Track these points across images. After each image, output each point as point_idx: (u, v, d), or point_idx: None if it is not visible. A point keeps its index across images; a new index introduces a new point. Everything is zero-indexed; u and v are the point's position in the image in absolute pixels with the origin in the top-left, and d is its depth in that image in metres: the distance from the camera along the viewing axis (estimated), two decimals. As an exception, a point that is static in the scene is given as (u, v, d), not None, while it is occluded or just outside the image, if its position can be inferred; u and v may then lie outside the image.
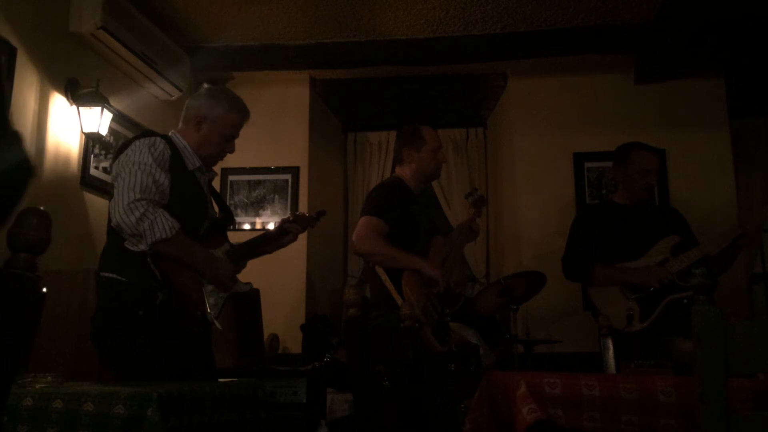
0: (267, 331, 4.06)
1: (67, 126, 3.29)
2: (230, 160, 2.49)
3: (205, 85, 2.42)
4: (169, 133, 2.24)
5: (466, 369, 3.23)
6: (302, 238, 2.70)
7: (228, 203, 3.76)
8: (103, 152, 3.55)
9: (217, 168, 2.43)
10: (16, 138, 0.92)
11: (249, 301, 3.79)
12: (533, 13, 3.84)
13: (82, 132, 3.36)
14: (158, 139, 2.12)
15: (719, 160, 4.24)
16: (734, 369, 1.07)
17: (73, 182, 3.34)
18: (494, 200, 5.04)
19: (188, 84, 4.14)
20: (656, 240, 3.02)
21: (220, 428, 1.71)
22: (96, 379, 2.62)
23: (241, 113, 2.31)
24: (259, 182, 4.60)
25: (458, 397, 2.82)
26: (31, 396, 1.48)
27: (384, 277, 2.72)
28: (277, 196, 4.57)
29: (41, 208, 0.96)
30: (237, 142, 2.37)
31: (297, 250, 4.31)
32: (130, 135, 3.69)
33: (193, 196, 2.21)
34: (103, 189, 3.53)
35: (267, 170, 4.61)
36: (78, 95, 3.31)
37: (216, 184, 2.77)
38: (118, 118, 3.60)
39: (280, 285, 4.21)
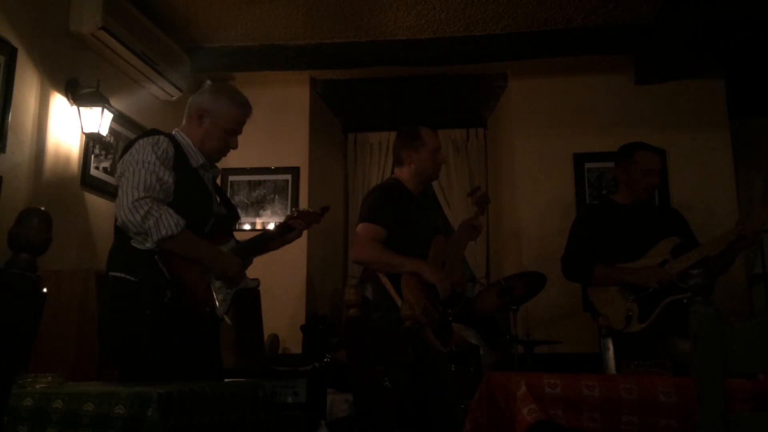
0: (267, 331, 4.06)
1: (68, 126, 3.30)
2: (230, 161, 2.50)
3: (208, 82, 2.43)
4: (173, 132, 2.25)
5: (466, 369, 3.24)
6: (302, 237, 2.70)
7: (228, 203, 3.76)
8: (103, 152, 3.55)
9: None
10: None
11: (249, 301, 3.79)
12: (533, 13, 3.84)
13: (83, 132, 3.36)
14: (162, 137, 2.13)
15: (719, 160, 4.24)
16: (732, 370, 1.07)
17: (74, 182, 3.35)
18: (494, 200, 5.03)
19: (188, 84, 4.15)
20: (656, 241, 3.02)
21: (220, 428, 1.71)
22: (96, 379, 2.62)
23: (242, 107, 2.31)
24: (259, 182, 4.60)
25: (458, 397, 2.82)
26: (31, 396, 1.48)
27: (384, 279, 2.73)
28: (277, 197, 4.58)
29: (42, 208, 0.96)
30: (237, 142, 2.37)
31: (297, 250, 4.31)
32: (130, 135, 3.69)
33: (198, 194, 2.22)
34: (104, 189, 3.53)
35: (267, 170, 4.61)
36: (78, 95, 3.31)
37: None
38: (119, 118, 3.60)
39: (280, 285, 4.21)
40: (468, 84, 4.73)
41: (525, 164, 4.42)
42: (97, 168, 3.50)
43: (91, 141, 3.43)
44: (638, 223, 3.08)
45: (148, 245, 1.98)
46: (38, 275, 0.94)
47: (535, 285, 3.53)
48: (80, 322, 2.86)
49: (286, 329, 4.27)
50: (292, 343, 4.29)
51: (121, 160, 2.10)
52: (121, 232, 2.04)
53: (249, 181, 4.60)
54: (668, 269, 2.91)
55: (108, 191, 3.55)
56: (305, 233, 2.57)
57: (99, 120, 3.33)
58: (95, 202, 3.48)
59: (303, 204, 4.51)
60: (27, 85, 3.02)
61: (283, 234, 2.46)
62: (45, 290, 0.95)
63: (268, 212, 4.56)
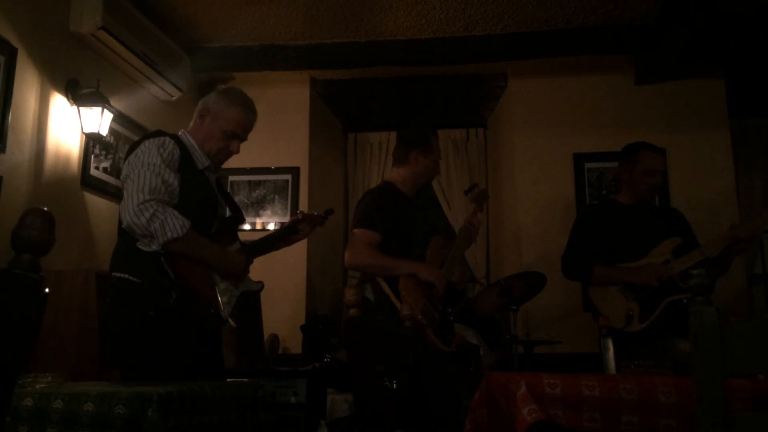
0: (267, 331, 4.06)
1: (68, 126, 3.30)
2: (230, 161, 2.49)
3: (221, 86, 2.44)
4: (179, 133, 2.25)
5: (466, 369, 3.23)
6: (302, 238, 2.71)
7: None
8: (103, 153, 3.55)
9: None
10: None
11: (250, 301, 3.79)
12: (534, 13, 3.84)
13: (83, 132, 3.36)
14: (167, 139, 2.12)
15: (719, 160, 4.24)
16: (732, 370, 1.07)
17: (74, 183, 3.35)
18: (494, 200, 5.04)
19: (188, 84, 4.15)
20: (658, 241, 3.02)
21: (220, 428, 1.71)
22: (96, 379, 2.62)
23: (244, 110, 2.29)
24: (259, 182, 4.60)
25: (458, 397, 2.82)
26: (31, 396, 1.48)
27: (382, 283, 2.74)
28: (277, 197, 4.58)
29: (45, 208, 0.97)
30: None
31: (297, 250, 4.30)
32: (130, 135, 3.69)
33: (203, 196, 2.22)
34: (104, 189, 3.53)
35: (267, 170, 4.61)
36: (78, 95, 3.31)
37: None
38: (119, 118, 3.60)
39: (280, 285, 4.21)
40: (468, 84, 4.73)
41: (525, 164, 4.42)
42: (97, 168, 3.50)
43: (91, 141, 3.43)
44: (640, 223, 3.08)
45: (154, 247, 1.98)
46: (41, 276, 0.94)
47: (535, 285, 3.52)
48: (80, 322, 2.86)
49: (286, 329, 4.27)
50: (292, 343, 4.29)
51: (126, 161, 2.10)
52: (125, 233, 2.04)
53: (249, 181, 4.61)
54: (670, 269, 2.91)
55: (108, 191, 3.55)
56: (305, 234, 2.58)
57: (99, 120, 3.33)
58: (95, 202, 3.48)
59: (303, 204, 4.51)
60: (27, 85, 3.02)
61: (288, 236, 2.47)
62: (47, 291, 0.95)
63: (268, 212, 4.56)
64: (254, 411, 1.94)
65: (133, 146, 2.13)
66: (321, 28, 4.00)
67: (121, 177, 2.11)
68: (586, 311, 3.51)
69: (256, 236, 2.47)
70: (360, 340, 2.50)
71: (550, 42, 4.04)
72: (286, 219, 4.34)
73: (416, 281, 2.73)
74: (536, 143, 4.42)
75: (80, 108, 3.31)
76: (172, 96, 4.10)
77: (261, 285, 2.33)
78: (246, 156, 4.28)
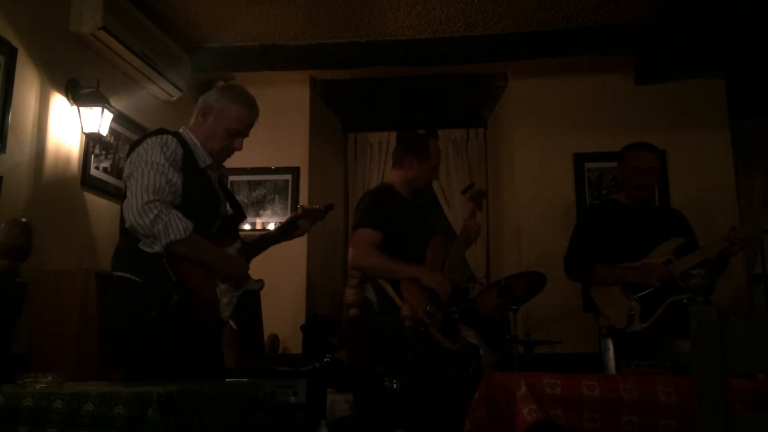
0: (267, 331, 4.06)
1: (68, 126, 3.29)
2: (230, 160, 2.49)
3: (220, 83, 2.43)
4: (180, 130, 2.24)
5: (466, 369, 3.24)
6: (302, 237, 2.70)
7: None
8: (103, 152, 3.55)
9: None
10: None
11: (250, 301, 3.79)
12: (534, 13, 3.84)
13: (83, 132, 3.36)
14: (170, 137, 2.12)
15: (719, 160, 4.24)
16: (732, 370, 1.07)
17: (74, 182, 3.34)
18: (494, 201, 5.04)
19: (188, 84, 4.15)
20: (659, 241, 3.02)
21: (220, 428, 1.71)
22: (96, 379, 2.62)
23: (247, 107, 2.28)
24: (259, 182, 4.60)
25: (458, 397, 2.83)
26: (31, 396, 1.48)
27: (384, 284, 2.74)
28: (277, 197, 4.58)
29: (23, 219, 0.97)
30: (241, 140, 2.35)
31: (297, 250, 4.32)
32: (130, 135, 3.69)
33: (206, 195, 2.21)
34: (104, 189, 3.53)
35: (267, 170, 4.61)
36: (78, 95, 3.31)
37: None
38: (119, 118, 3.60)
39: (280, 285, 4.21)
40: (468, 84, 4.73)
41: (525, 164, 4.42)
42: (97, 168, 3.50)
43: (91, 141, 3.43)
44: (641, 223, 3.09)
45: (157, 248, 1.97)
46: (22, 282, 0.95)
47: (535, 285, 3.52)
48: (80, 322, 2.86)
49: (286, 329, 4.27)
50: (292, 343, 4.29)
51: (128, 159, 2.09)
52: (127, 232, 2.03)
53: (249, 181, 4.61)
54: (671, 269, 2.91)
55: (108, 191, 3.55)
56: (305, 234, 2.57)
57: (99, 120, 3.33)
58: (95, 202, 3.48)
59: (303, 204, 4.51)
60: (27, 85, 3.02)
61: (288, 232, 2.47)
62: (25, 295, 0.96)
63: (269, 212, 4.56)
64: (254, 411, 1.94)
65: (135, 144, 2.13)
66: (321, 28, 4.00)
67: (123, 175, 2.11)
68: (586, 311, 3.51)
69: (256, 236, 2.46)
70: (360, 340, 2.51)
71: (550, 42, 4.04)
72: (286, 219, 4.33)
73: (418, 283, 2.74)
74: (536, 143, 4.41)
75: (80, 108, 3.31)
76: (172, 96, 4.10)
77: (261, 284, 2.32)
78: (246, 156, 4.28)
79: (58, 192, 3.20)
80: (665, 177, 4.15)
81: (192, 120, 2.30)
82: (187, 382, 1.71)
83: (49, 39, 3.18)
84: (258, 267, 2.38)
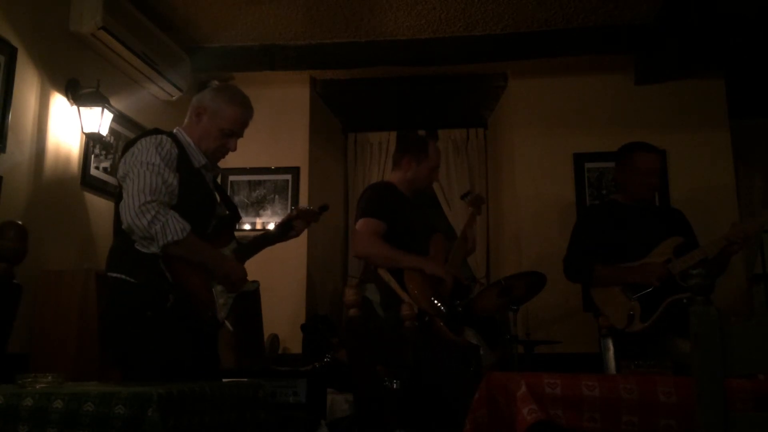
0: (267, 331, 4.06)
1: (68, 126, 3.29)
2: (230, 161, 2.49)
3: (214, 82, 2.42)
4: (174, 131, 2.23)
5: (466, 369, 3.23)
6: (302, 237, 2.71)
7: (228, 203, 3.77)
8: (103, 152, 3.55)
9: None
10: None
11: (249, 301, 3.79)
12: (534, 13, 3.84)
13: (83, 132, 3.36)
14: (164, 137, 2.11)
15: (719, 160, 4.24)
16: (732, 369, 1.07)
17: (74, 182, 3.34)
18: (494, 201, 5.04)
19: (188, 84, 4.15)
20: (659, 241, 3.02)
21: (220, 428, 1.71)
22: (96, 379, 2.62)
23: (241, 108, 2.27)
24: (259, 182, 4.60)
25: (458, 397, 2.83)
26: (31, 396, 1.48)
27: (387, 277, 2.74)
28: (277, 197, 4.58)
29: (18, 222, 0.97)
30: (238, 142, 2.33)
31: (297, 250, 4.32)
32: (130, 135, 3.69)
33: (201, 195, 2.21)
34: (104, 189, 3.53)
35: (267, 170, 4.61)
36: (78, 95, 3.31)
37: (216, 184, 2.76)
38: (119, 118, 3.60)
39: (280, 285, 4.21)
40: (468, 84, 4.73)
41: (525, 164, 4.42)
42: (97, 168, 3.50)
43: (91, 141, 3.43)
44: (640, 223, 3.09)
45: (153, 249, 1.97)
46: (18, 284, 0.95)
47: (535, 285, 3.52)
48: (80, 322, 2.86)
49: (286, 329, 4.27)
50: (292, 343, 4.29)
51: (123, 159, 2.08)
52: (121, 232, 2.03)
53: (249, 181, 4.61)
54: (671, 268, 2.91)
55: (108, 191, 3.55)
56: (305, 232, 2.57)
57: (99, 120, 3.33)
58: (95, 202, 3.48)
59: (303, 204, 4.51)
60: (27, 85, 3.02)
61: (284, 233, 2.47)
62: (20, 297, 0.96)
63: (268, 212, 4.56)
64: (254, 411, 1.94)
65: (130, 144, 2.12)
66: (321, 28, 4.00)
67: (118, 176, 2.10)
68: (586, 311, 3.51)
69: (251, 237, 2.46)
70: (360, 340, 2.51)
71: (550, 42, 4.04)
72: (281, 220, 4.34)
73: (423, 275, 2.73)
74: (536, 143, 4.41)
75: (80, 108, 3.31)
76: (172, 96, 4.10)
77: (256, 284, 2.31)
78: (246, 156, 4.31)
79: (58, 192, 3.20)
80: (665, 177, 4.15)
81: (186, 120, 2.29)
82: (187, 382, 1.71)
83: (49, 39, 3.18)
84: (258, 267, 2.38)
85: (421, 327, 2.66)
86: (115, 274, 2.05)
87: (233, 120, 2.25)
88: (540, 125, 4.43)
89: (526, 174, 4.41)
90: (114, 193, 3.53)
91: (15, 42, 2.93)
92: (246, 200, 4.56)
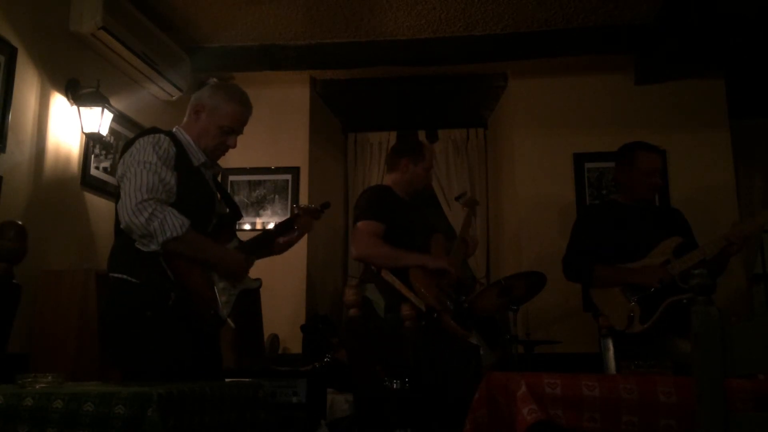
0: (267, 331, 4.06)
1: (68, 126, 3.29)
2: (230, 161, 2.49)
3: (213, 80, 2.41)
4: (173, 129, 2.23)
5: (466, 369, 3.23)
6: (302, 237, 2.70)
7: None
8: (103, 152, 3.55)
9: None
10: None
11: (250, 301, 3.79)
12: (534, 13, 3.84)
13: (83, 132, 3.36)
14: (162, 136, 2.11)
15: (719, 160, 4.24)
16: (733, 370, 1.07)
17: (74, 182, 3.34)
18: (494, 201, 5.04)
19: (188, 84, 4.15)
20: (658, 241, 3.02)
21: (220, 428, 1.71)
22: (96, 379, 2.62)
23: (240, 105, 2.27)
24: (259, 182, 4.60)
25: (458, 397, 2.83)
26: (31, 396, 1.48)
27: (391, 278, 2.73)
28: (277, 197, 4.58)
29: (18, 221, 0.97)
30: (238, 141, 2.33)
31: (297, 250, 4.29)
32: (130, 135, 3.69)
33: (201, 193, 2.20)
34: (104, 189, 3.53)
35: (267, 170, 4.61)
36: (78, 95, 3.31)
37: (216, 184, 2.76)
38: (119, 118, 3.60)
39: (280, 285, 4.20)
40: (468, 84, 4.73)
41: (525, 164, 4.42)
42: (97, 168, 3.50)
43: (91, 141, 3.43)
44: (640, 223, 3.08)
45: (153, 247, 1.97)
46: (17, 283, 0.95)
47: (535, 285, 3.51)
48: (80, 322, 2.86)
49: (286, 329, 4.27)
50: (292, 343, 4.29)
51: (121, 159, 2.08)
52: (122, 233, 2.03)
53: (249, 181, 4.61)
54: (670, 269, 2.91)
55: (108, 191, 3.55)
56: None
57: (99, 120, 3.33)
58: (95, 202, 3.48)
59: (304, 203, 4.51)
60: (27, 85, 3.02)
61: (286, 231, 2.45)
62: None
63: (268, 212, 4.56)
64: (254, 411, 1.94)
65: (128, 144, 2.12)
66: (321, 28, 4.00)
67: (116, 176, 2.10)
68: (587, 311, 3.51)
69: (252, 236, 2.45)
70: (360, 340, 2.51)
71: (550, 42, 4.04)
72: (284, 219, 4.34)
73: (425, 271, 2.73)
74: (536, 143, 4.41)
75: (80, 108, 3.31)
76: (172, 96, 4.10)
77: (259, 282, 2.31)
78: (246, 156, 4.31)
79: (58, 192, 3.20)
80: (665, 177, 4.15)
81: (185, 118, 2.29)
82: (187, 382, 1.71)
83: (49, 39, 3.18)
84: (258, 267, 2.38)
85: (428, 324, 2.66)
86: (116, 275, 2.05)
87: (232, 117, 2.25)
88: (540, 125, 4.43)
89: (526, 174, 4.41)
90: (114, 193, 3.54)
91: (15, 42, 2.93)
92: (246, 200, 4.56)
